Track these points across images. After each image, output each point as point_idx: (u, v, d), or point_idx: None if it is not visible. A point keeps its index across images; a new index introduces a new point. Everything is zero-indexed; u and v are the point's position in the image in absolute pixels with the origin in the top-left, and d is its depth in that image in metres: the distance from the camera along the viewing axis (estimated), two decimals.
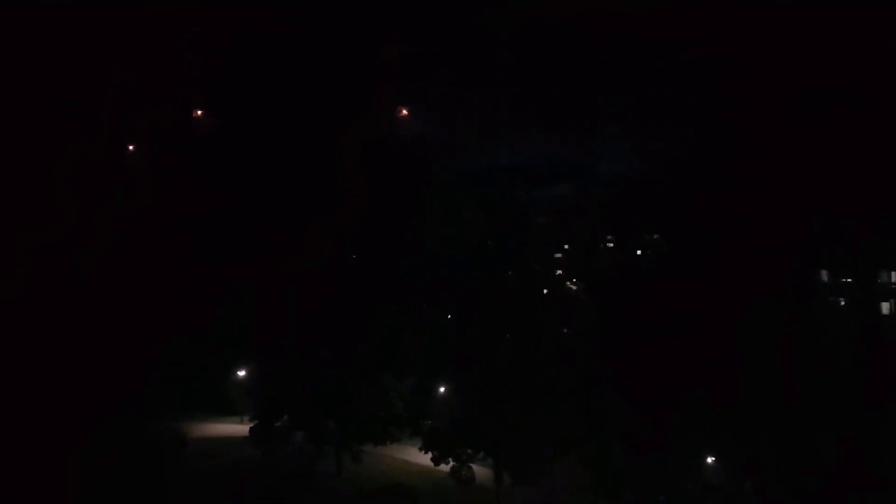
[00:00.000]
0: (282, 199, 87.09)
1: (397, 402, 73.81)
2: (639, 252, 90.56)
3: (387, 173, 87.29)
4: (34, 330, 67.72)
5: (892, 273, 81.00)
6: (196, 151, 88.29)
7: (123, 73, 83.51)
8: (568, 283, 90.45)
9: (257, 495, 67.05)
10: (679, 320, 69.27)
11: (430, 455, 69.06)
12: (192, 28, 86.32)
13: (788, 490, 62.16)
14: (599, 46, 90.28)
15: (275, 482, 69.12)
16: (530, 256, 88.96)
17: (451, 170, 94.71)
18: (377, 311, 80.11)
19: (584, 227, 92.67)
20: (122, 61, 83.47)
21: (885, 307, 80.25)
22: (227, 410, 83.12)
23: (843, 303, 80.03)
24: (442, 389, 76.96)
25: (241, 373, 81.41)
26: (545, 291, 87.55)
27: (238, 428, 79.18)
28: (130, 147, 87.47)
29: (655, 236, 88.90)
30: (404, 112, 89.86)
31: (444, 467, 68.69)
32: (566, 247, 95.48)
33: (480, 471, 69.16)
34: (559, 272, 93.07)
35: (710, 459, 65.50)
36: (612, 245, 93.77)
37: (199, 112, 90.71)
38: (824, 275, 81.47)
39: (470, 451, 67.89)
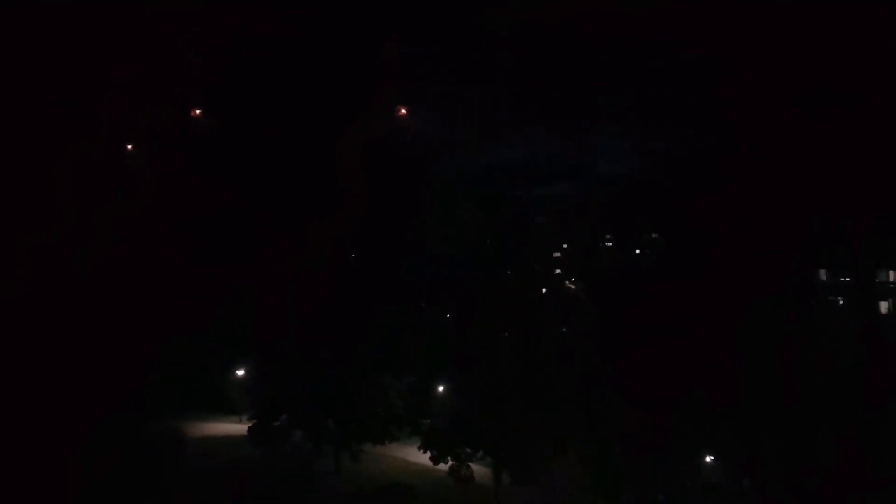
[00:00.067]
0: (282, 199, 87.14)
1: (396, 401, 73.79)
2: (638, 252, 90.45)
3: (387, 173, 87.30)
4: (34, 330, 67.75)
5: (892, 272, 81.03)
6: (196, 151, 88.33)
7: (123, 73, 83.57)
8: (567, 282, 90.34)
9: (256, 495, 67.08)
10: (679, 320, 69.14)
11: (429, 454, 68.99)
12: (192, 28, 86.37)
13: (788, 489, 62.05)
14: (599, 46, 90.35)
15: (274, 481, 69.14)
16: (530, 256, 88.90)
17: (450, 169, 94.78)
18: (377, 310, 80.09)
19: (584, 226, 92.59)
20: (122, 61, 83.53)
21: (884, 306, 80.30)
22: (225, 410, 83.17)
23: (841, 302, 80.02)
24: (441, 388, 76.93)
25: (240, 372, 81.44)
26: (544, 291, 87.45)
27: (237, 427, 79.15)
28: (130, 147, 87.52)
29: (655, 236, 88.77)
30: (404, 112, 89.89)
31: (443, 466, 68.61)
32: (565, 246, 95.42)
33: (479, 470, 69.09)
34: (558, 271, 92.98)
35: (709, 459, 65.40)
36: (611, 245, 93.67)
37: (199, 112, 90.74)
38: (823, 274, 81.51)
39: (469, 451, 67.81)
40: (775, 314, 68.88)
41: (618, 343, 70.98)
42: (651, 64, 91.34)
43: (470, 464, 68.22)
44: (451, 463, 68.23)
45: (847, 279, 79.95)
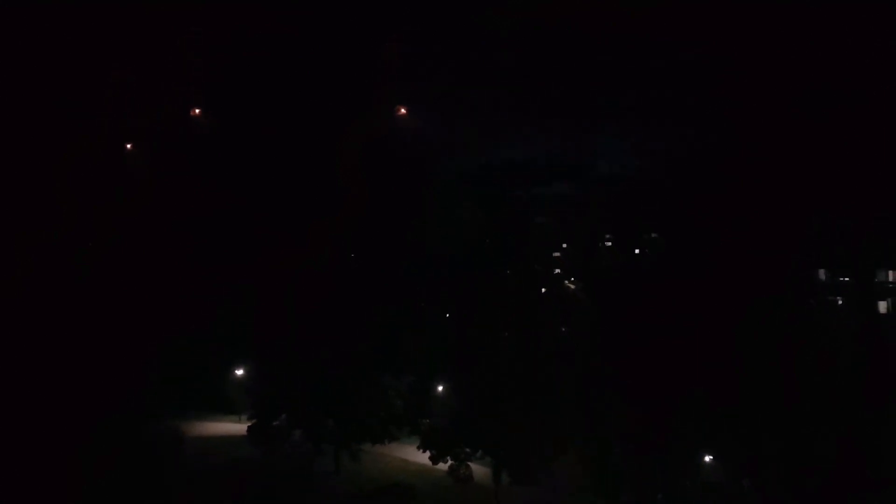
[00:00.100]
0: (281, 199, 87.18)
1: (396, 400, 73.79)
2: (638, 252, 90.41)
3: (386, 173, 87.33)
4: (34, 330, 67.75)
5: (891, 272, 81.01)
6: (196, 151, 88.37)
7: (123, 73, 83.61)
8: (566, 282, 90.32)
9: (256, 494, 67.12)
10: (679, 320, 69.05)
11: (428, 454, 68.96)
12: (191, 28, 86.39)
13: (788, 489, 61.94)
14: (599, 46, 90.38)
15: (273, 481, 69.18)
16: (530, 256, 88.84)
17: (450, 169, 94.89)
18: (377, 310, 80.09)
19: (584, 226, 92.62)
20: (122, 61, 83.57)
21: (883, 306, 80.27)
22: (225, 409, 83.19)
23: (840, 302, 79.98)
24: (440, 388, 76.88)
25: (240, 372, 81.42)
26: (544, 291, 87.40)
27: (237, 427, 79.16)
28: (130, 147, 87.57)
29: (655, 236, 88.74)
30: (404, 112, 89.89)
31: (443, 466, 68.59)
32: (565, 246, 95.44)
33: (479, 469, 69.08)
34: (558, 271, 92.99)
35: (708, 458, 65.34)
36: (611, 244, 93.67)
37: (199, 111, 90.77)
38: (822, 274, 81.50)
39: (468, 450, 67.78)
40: (775, 314, 68.75)
41: (617, 343, 70.84)
42: (651, 64, 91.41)
43: (469, 463, 68.20)
44: (450, 462, 68.22)
45: (847, 279, 79.90)
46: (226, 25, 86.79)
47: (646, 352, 67.56)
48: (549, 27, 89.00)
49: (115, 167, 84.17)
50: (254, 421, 73.38)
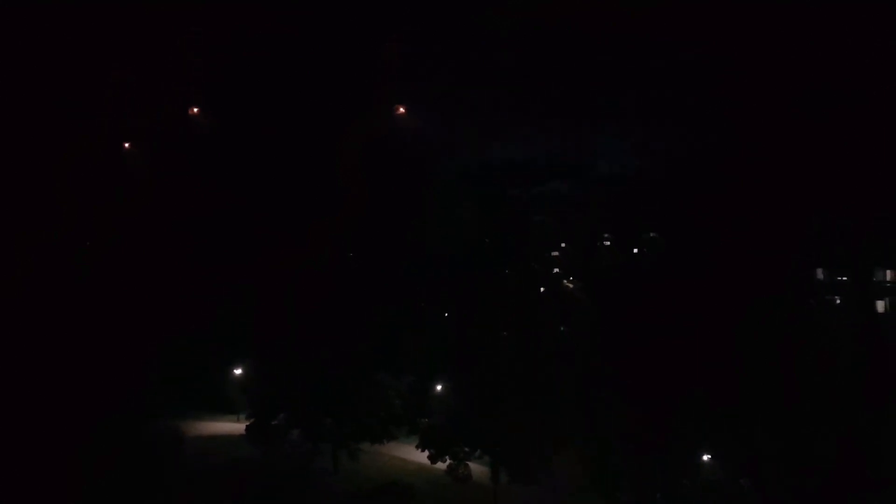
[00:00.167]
0: (281, 199, 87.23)
1: (395, 400, 73.71)
2: (637, 251, 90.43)
3: (386, 173, 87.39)
4: (34, 330, 67.85)
5: (890, 272, 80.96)
6: (196, 151, 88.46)
7: (123, 73, 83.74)
8: (566, 281, 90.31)
9: (255, 493, 67.04)
10: (678, 320, 69.07)
11: (427, 453, 68.93)
12: (192, 28, 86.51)
13: (788, 489, 61.86)
14: (599, 46, 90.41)
15: (272, 480, 69.09)
16: (529, 255, 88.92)
17: (450, 169, 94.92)
18: (377, 310, 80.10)
19: (584, 225, 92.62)
20: (122, 61, 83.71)
21: (881, 305, 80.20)
22: (225, 409, 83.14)
23: (839, 301, 79.91)
24: (439, 387, 76.79)
25: (238, 371, 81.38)
26: (543, 290, 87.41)
27: (236, 427, 79.08)
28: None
29: (654, 235, 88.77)
30: (403, 112, 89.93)
31: (441, 465, 68.52)
32: (564, 245, 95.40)
33: (477, 469, 69.01)
34: (557, 271, 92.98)
35: (708, 458, 65.26)
36: (610, 244, 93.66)
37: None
38: (821, 273, 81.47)
39: (467, 449, 67.70)
40: (775, 314, 68.78)
41: (617, 343, 70.87)
42: (651, 64, 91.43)
43: (468, 462, 68.14)
44: (449, 462, 68.15)
45: (846, 279, 79.86)
46: (226, 25, 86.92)
47: (645, 351, 67.57)
48: (549, 27, 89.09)
49: (115, 167, 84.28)
50: (252, 420, 73.34)
